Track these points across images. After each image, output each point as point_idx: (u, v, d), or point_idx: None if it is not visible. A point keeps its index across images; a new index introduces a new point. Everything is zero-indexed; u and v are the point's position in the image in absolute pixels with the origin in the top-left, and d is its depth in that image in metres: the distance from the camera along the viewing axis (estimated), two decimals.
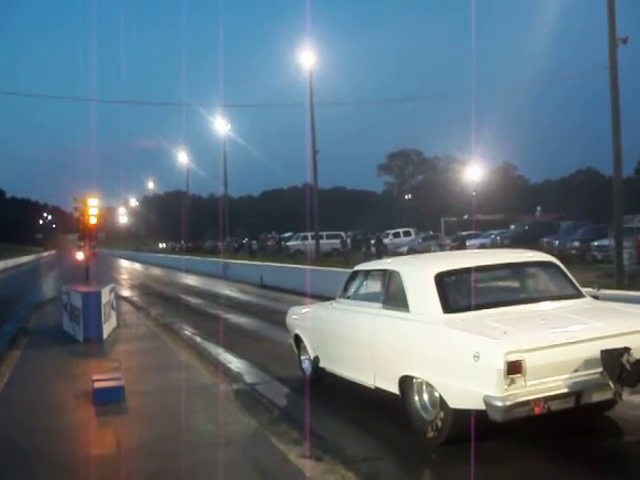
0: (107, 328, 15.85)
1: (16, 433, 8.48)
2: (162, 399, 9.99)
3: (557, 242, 36.52)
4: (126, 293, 30.37)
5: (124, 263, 79.23)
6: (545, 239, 38.03)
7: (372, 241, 48.10)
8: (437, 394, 7.16)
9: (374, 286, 9.21)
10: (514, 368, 6.22)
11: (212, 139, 67.85)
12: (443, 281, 7.77)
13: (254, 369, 12.32)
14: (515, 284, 8.69)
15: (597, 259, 30.36)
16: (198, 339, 16.14)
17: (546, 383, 6.38)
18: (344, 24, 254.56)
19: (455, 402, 6.86)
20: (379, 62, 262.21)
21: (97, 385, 9.78)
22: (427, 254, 17.57)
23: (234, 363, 12.92)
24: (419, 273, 8.31)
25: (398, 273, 8.35)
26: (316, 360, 10.09)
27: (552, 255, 9.42)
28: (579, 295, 8.17)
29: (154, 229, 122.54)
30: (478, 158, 61.73)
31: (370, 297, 9.13)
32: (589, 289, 9.14)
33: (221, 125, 62.04)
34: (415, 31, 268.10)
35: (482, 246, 42.11)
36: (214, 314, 21.37)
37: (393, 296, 8.34)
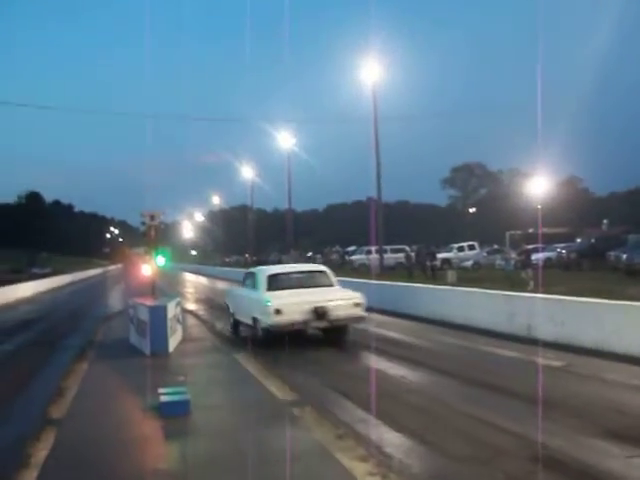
0: (173, 342, 16.04)
1: (84, 446, 8.60)
2: (227, 413, 10.06)
3: (624, 256, 35.12)
4: (191, 306, 30.47)
5: (189, 277, 80.00)
6: (612, 253, 36.54)
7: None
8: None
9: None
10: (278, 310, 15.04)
11: (276, 154, 67.92)
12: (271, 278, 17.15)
13: (319, 385, 12.21)
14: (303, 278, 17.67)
15: None
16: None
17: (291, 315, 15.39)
18: (408, 37, 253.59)
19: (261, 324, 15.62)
20: (443, 74, 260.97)
21: (163, 399, 9.88)
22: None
23: (299, 377, 12.84)
24: (263, 273, 17.75)
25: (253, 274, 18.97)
26: (233, 315, 19.35)
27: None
28: (330, 285, 17.23)
29: (220, 243, 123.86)
30: (543, 171, 60.80)
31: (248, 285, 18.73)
32: None
33: (285, 140, 62.18)
34: (479, 43, 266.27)
35: (547, 260, 41.56)
36: None
37: (252, 284, 18.03)
